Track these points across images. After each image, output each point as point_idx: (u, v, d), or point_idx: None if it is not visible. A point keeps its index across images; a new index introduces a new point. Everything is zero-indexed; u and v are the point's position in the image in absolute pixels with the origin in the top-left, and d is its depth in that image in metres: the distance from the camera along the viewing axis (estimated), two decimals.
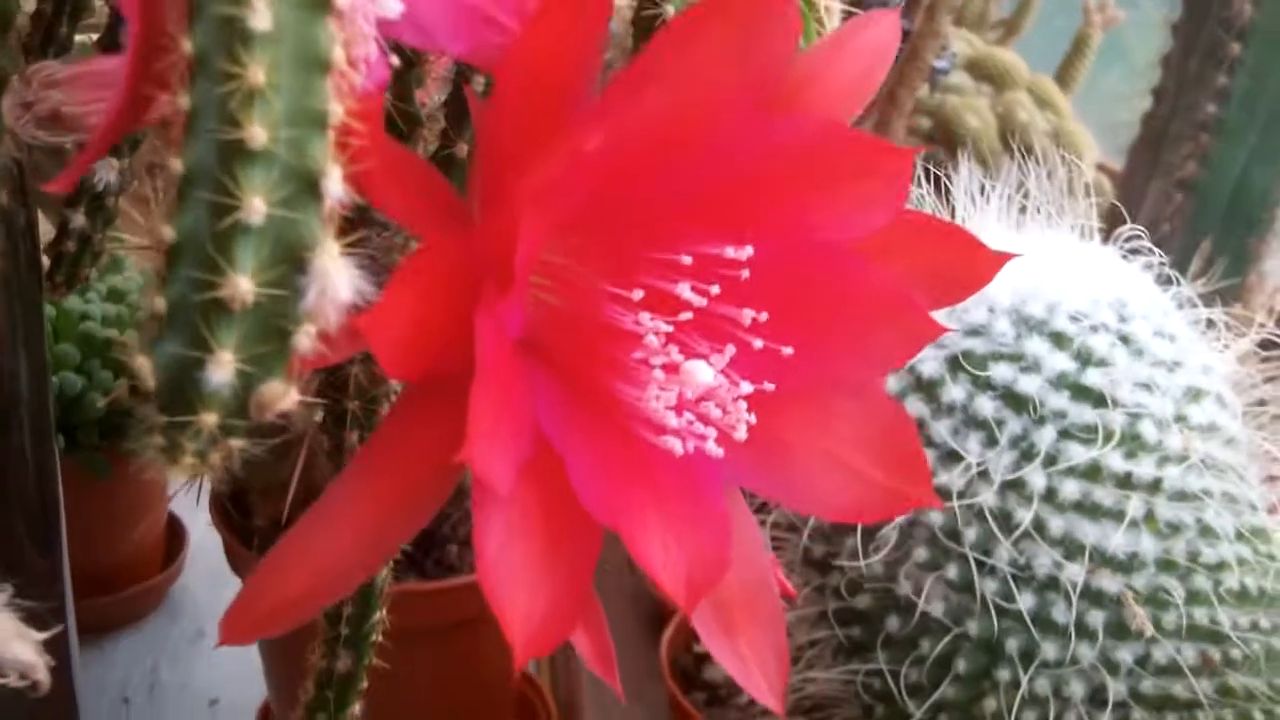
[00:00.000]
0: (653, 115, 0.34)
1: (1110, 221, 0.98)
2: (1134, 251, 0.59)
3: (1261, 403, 0.60)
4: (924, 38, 0.87)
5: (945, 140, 1.20)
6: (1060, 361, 0.53)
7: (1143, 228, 0.94)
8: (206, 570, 1.11)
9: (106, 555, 1.03)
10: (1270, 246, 0.92)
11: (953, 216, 0.57)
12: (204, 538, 1.09)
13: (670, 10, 0.42)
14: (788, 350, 0.36)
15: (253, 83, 0.30)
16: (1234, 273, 0.93)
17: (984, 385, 0.52)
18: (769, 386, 0.36)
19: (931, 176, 0.58)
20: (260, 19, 0.30)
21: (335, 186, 0.31)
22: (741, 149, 0.36)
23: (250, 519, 0.88)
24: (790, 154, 0.36)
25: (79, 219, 0.65)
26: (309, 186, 0.31)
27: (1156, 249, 0.73)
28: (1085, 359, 0.53)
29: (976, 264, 0.38)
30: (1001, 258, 0.38)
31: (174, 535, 1.13)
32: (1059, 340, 0.53)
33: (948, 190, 0.59)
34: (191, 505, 0.83)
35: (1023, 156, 1.23)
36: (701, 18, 0.35)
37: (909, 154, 0.35)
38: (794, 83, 0.37)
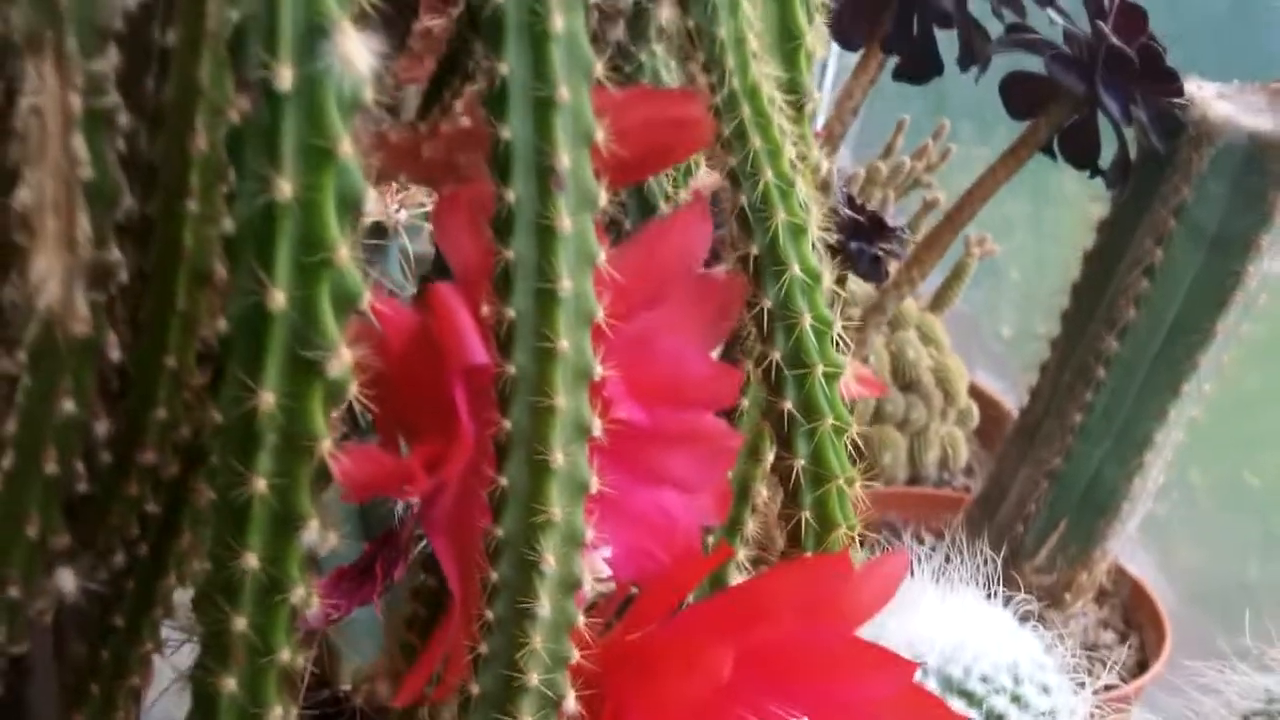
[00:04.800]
0: (752, 640, 0.52)
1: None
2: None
3: None
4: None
5: None
6: (972, 716, 0.72)
7: (1013, 505, 1.15)
8: None
9: None
10: (1114, 529, 1.14)
11: None
12: None
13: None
14: None
15: (533, 647, 0.47)
16: (1085, 547, 1.14)
17: None
18: None
19: None
20: (544, 608, 0.47)
21: (571, 707, 0.49)
22: (802, 648, 0.54)
23: None
24: (837, 651, 0.54)
25: None
26: (560, 665, 0.48)
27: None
28: (989, 715, 0.72)
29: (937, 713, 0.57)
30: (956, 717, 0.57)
31: None
32: (971, 699, 0.72)
33: None
34: None
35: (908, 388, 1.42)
36: (787, 573, 0.53)
37: (913, 665, 0.54)
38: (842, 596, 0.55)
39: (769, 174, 0.50)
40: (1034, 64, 1.04)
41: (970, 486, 1.49)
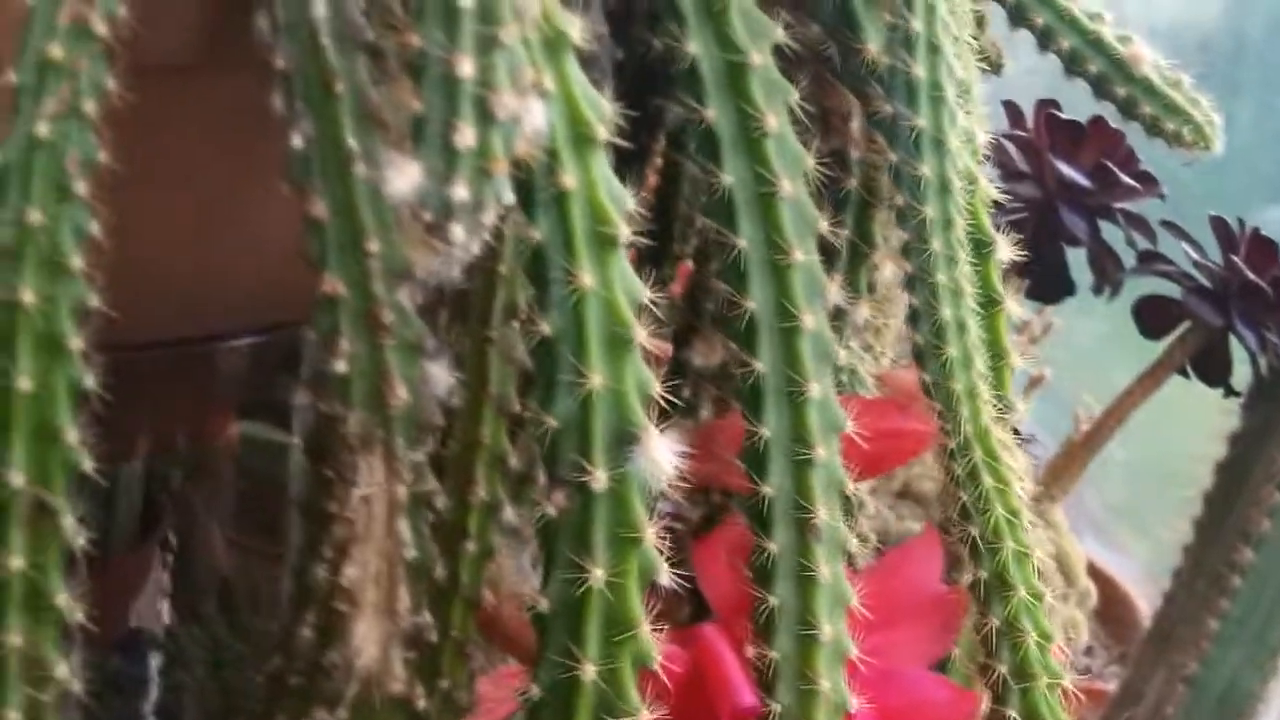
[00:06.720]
0: None
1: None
2: None
3: None
4: None
5: None
6: None
7: (1150, 709, 1.17)
8: None
9: None
10: None
11: None
12: None
13: None
14: None
15: None
16: None
17: None
18: None
19: None
20: None
21: None
22: None
23: None
24: None
25: None
26: None
27: None
28: None
29: None
30: None
31: None
32: None
33: None
34: None
35: None
36: None
37: None
38: None
39: (999, 509, 0.54)
40: (1164, 284, 1.08)
41: (1090, 667, 1.51)
